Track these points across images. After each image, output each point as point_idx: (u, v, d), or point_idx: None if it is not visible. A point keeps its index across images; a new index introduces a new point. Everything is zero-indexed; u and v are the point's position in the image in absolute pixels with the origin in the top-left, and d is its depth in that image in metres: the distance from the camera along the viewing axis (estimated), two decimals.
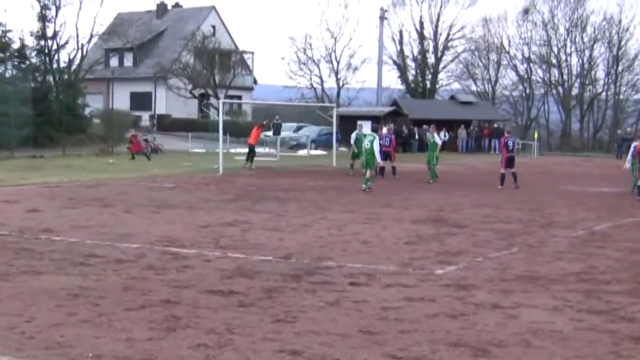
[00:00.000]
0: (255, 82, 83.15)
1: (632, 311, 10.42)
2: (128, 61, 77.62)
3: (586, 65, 79.44)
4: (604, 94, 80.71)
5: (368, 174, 27.78)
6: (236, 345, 8.55)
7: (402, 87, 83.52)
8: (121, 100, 70.95)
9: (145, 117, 70.37)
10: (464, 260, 14.19)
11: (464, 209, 22.14)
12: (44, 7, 57.80)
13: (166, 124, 69.08)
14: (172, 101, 72.81)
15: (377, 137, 29.47)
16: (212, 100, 71.10)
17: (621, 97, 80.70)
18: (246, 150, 40.42)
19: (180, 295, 10.91)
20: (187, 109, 72.39)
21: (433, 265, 13.51)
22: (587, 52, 79.20)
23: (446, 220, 19.48)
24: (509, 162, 29.62)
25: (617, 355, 8.50)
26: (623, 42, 78.61)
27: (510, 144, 30.26)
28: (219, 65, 73.79)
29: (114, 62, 76.82)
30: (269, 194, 25.68)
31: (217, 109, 56.26)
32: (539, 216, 20.82)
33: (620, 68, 78.79)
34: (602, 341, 8.98)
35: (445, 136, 38.90)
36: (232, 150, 49.78)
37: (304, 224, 18.70)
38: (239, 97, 75.24)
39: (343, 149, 58.86)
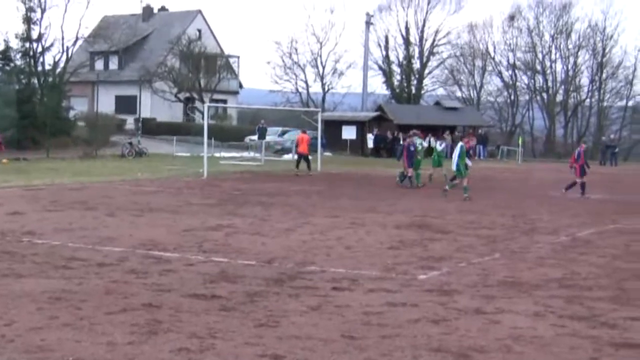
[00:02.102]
0: (240, 86, 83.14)
1: (613, 317, 10.45)
2: (113, 64, 77.44)
3: (570, 72, 79.80)
4: (587, 100, 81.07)
5: (465, 182, 27.44)
6: (218, 349, 8.53)
7: (387, 92, 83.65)
8: (106, 103, 70.85)
9: (130, 120, 70.22)
10: (447, 265, 14.20)
11: (448, 214, 22.17)
12: (29, 10, 57.64)
13: (151, 128, 68.92)
14: (158, 105, 72.74)
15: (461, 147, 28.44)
16: (197, 104, 71.05)
17: (605, 104, 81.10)
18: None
19: (162, 299, 10.88)
20: (173, 113, 72.34)
21: (416, 271, 13.52)
22: (571, 59, 79.59)
23: (430, 226, 19.50)
24: None
25: None
26: (607, 50, 79.03)
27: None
28: (204, 69, 73.79)
29: (99, 65, 76.68)
30: (253, 198, 25.66)
31: (202, 113, 56.17)
32: (522, 222, 20.87)
33: (604, 75, 79.18)
34: (583, 347, 9.00)
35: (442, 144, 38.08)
36: (217, 155, 49.73)
37: (288, 228, 18.69)
38: (224, 101, 75.26)
39: (327, 153, 58.98)
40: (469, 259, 14.98)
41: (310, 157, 38.83)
